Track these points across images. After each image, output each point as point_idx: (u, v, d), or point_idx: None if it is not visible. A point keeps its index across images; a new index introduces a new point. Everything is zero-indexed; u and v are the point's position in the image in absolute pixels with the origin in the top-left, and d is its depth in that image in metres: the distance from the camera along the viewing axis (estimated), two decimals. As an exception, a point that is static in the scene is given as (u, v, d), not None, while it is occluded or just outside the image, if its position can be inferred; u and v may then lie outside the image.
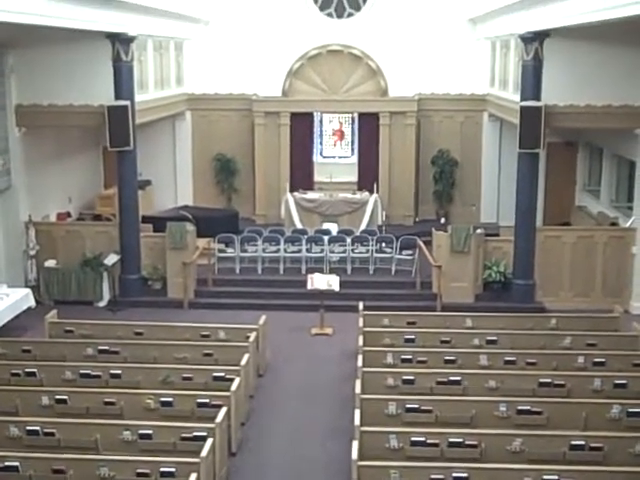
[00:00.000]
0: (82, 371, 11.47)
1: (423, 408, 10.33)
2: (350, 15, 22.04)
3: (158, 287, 17.16)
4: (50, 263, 17.03)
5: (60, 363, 11.92)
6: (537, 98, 15.67)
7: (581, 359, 11.99)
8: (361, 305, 14.34)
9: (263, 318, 13.69)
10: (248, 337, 12.78)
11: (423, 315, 14.28)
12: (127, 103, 16.13)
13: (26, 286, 16.26)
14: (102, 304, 16.89)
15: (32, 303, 15.48)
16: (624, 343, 12.80)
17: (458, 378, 11.22)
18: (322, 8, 22.01)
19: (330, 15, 22.06)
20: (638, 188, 16.24)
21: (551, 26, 14.36)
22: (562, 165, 20.58)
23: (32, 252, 16.77)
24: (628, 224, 16.61)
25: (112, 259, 16.82)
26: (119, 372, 11.44)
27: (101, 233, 17.44)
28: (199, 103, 22.08)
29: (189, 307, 16.76)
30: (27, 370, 11.50)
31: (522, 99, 15.89)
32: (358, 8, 21.98)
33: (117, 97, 16.16)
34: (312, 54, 21.74)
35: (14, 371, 11.53)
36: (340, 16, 22.06)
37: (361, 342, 12.51)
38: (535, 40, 15.47)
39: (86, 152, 20.56)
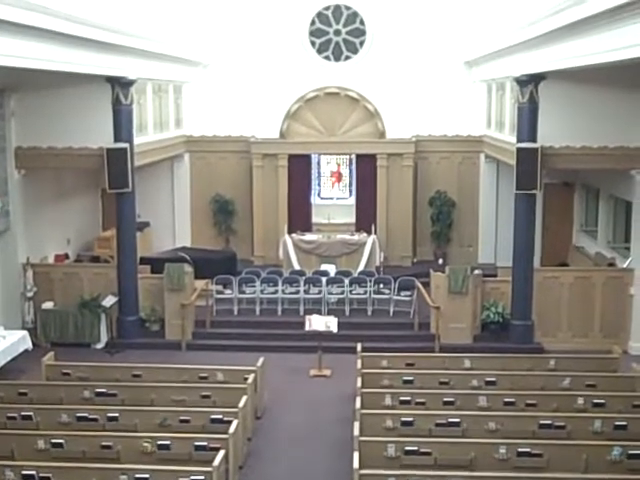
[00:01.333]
0: (79, 414, 11.39)
1: (422, 450, 10.26)
2: (347, 58, 22.27)
3: (156, 329, 17.12)
4: (48, 305, 17.00)
5: (57, 406, 11.84)
6: (533, 140, 15.79)
7: (581, 400, 11.94)
8: (359, 346, 14.29)
9: (261, 360, 13.64)
10: (246, 379, 12.72)
11: (421, 356, 14.24)
12: (126, 145, 16.23)
13: (23, 328, 16.20)
14: (100, 346, 16.82)
15: (29, 345, 15.41)
16: (624, 384, 12.77)
17: (457, 420, 11.16)
18: (320, 51, 22.26)
19: (328, 58, 22.29)
20: (635, 229, 16.31)
21: (546, 69, 14.51)
22: (559, 206, 20.67)
23: (30, 294, 16.75)
24: (625, 265, 16.63)
25: (110, 301, 16.80)
26: (116, 415, 11.36)
27: (99, 275, 17.44)
28: (197, 145, 22.23)
29: (187, 349, 16.71)
30: (23, 413, 11.41)
31: (518, 141, 16.02)
32: (355, 51, 22.23)
33: (116, 139, 16.27)
34: (310, 96, 21.93)
35: (10, 414, 11.43)
36: (337, 59, 22.29)
37: (359, 384, 12.44)
38: (530, 83, 15.63)
39: (85, 194, 20.64)
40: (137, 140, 17.07)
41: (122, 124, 16.35)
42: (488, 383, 12.77)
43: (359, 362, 13.53)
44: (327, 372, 15.34)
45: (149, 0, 16.50)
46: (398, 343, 16.36)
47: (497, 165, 21.29)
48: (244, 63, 22.06)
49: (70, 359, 14.15)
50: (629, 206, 16.75)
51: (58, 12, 11.70)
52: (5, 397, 12.38)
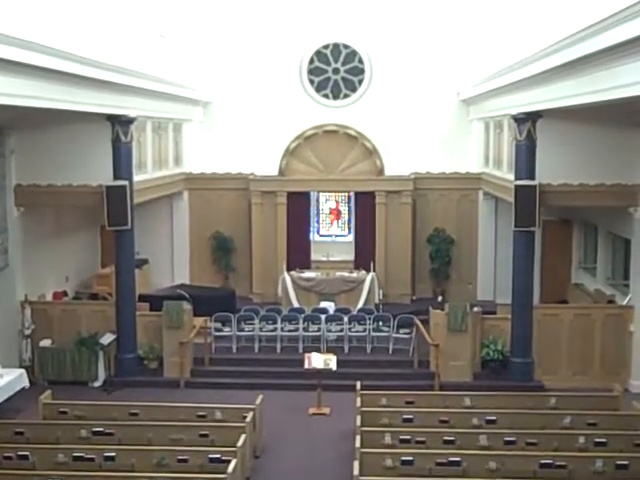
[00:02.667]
0: (75, 454, 11.28)
1: (422, 490, 10.17)
2: (346, 96, 22.47)
3: (154, 366, 17.03)
4: (45, 343, 16.93)
5: (53, 446, 11.73)
6: (531, 177, 15.86)
7: (582, 439, 11.84)
8: (358, 384, 14.22)
9: (260, 398, 13.56)
10: (245, 417, 12.64)
11: (421, 394, 14.16)
12: (125, 183, 16.28)
13: (20, 366, 16.12)
14: (97, 384, 16.72)
15: (26, 384, 15.30)
16: (625, 423, 12.67)
17: (458, 459, 11.06)
18: (318, 89, 22.46)
19: (326, 96, 22.49)
20: (634, 266, 16.31)
21: (543, 108, 14.62)
22: (558, 243, 20.69)
23: (27, 331, 16.69)
24: (625, 302, 16.61)
25: (108, 338, 16.72)
26: (113, 454, 11.26)
27: (97, 312, 17.39)
28: (197, 182, 22.30)
29: (185, 387, 16.61)
30: (19, 453, 11.30)
31: (516, 178, 16.10)
32: (354, 89, 22.43)
33: (116, 177, 16.33)
34: (309, 134, 22.06)
35: (6, 454, 11.32)
36: (336, 97, 22.49)
37: (359, 422, 12.35)
38: (527, 121, 15.74)
39: (84, 231, 20.66)
40: (136, 178, 17.13)
41: (122, 162, 16.42)
42: (488, 422, 12.68)
43: (358, 400, 13.45)
44: (326, 410, 15.24)
45: (150, 39, 16.64)
46: (397, 381, 16.28)
47: (495, 202, 21.35)
48: (243, 101, 22.26)
49: (67, 397, 14.05)
50: (628, 243, 16.78)
51: (58, 51, 11.78)
52: (1, 437, 12.26)
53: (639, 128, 15.66)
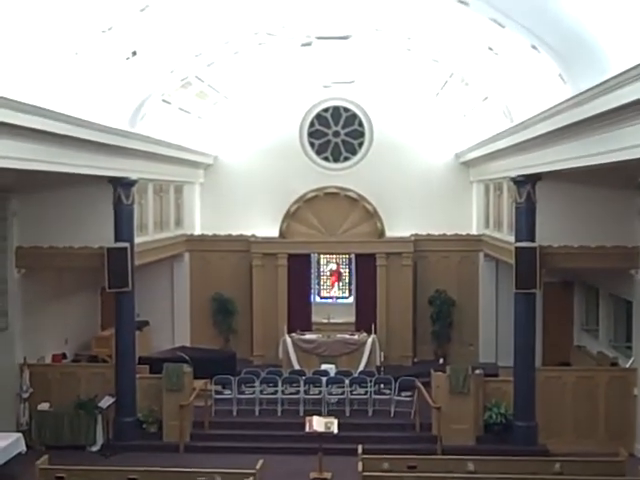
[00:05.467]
0: (73, 520, 11.10)
1: None
2: (346, 159, 22.68)
3: (154, 430, 16.80)
4: (43, 406, 16.74)
5: (50, 512, 11.54)
6: (532, 239, 15.90)
7: (588, 505, 11.66)
8: (360, 448, 14.02)
9: (260, 462, 13.36)
10: (245, 483, 12.44)
11: (424, 459, 13.95)
12: (127, 245, 16.32)
13: (17, 430, 15.92)
14: (95, 448, 16.48)
15: (23, 448, 15.05)
16: (631, 488, 12.47)
17: (462, 526, 10.86)
18: (319, 152, 22.68)
19: (327, 159, 22.69)
20: (636, 328, 16.23)
21: (542, 170, 14.73)
22: (559, 305, 20.64)
23: (25, 395, 16.54)
24: (628, 365, 16.48)
25: (107, 402, 16.55)
26: (111, 521, 11.07)
27: (97, 375, 17.25)
28: (198, 244, 22.38)
29: (185, 451, 16.37)
30: (16, 519, 11.13)
31: (517, 240, 16.14)
32: (354, 152, 22.65)
33: (117, 239, 16.36)
34: (309, 196, 22.22)
35: (2, 521, 11.16)
36: (337, 160, 22.70)
37: (361, 488, 12.17)
38: (527, 183, 15.85)
39: (84, 293, 20.61)
40: (138, 239, 17.18)
41: (123, 224, 16.48)
42: (493, 487, 12.48)
43: (360, 465, 13.25)
44: (328, 475, 14.99)
45: (151, 103, 16.83)
46: (399, 444, 16.06)
47: (496, 264, 21.37)
48: (244, 163, 22.48)
49: (65, 462, 13.83)
50: (629, 305, 16.73)
51: (59, 114, 11.89)
52: (-3, 502, 12.08)
53: (638, 190, 15.75)
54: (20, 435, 15.25)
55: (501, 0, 11.18)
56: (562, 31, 10.76)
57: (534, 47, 12.02)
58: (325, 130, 22.73)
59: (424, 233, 21.99)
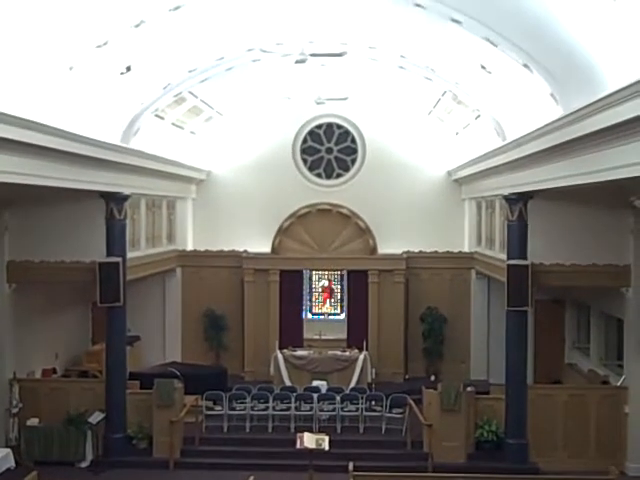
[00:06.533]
0: (61, 537, 11.02)
1: None
2: (339, 175, 22.73)
3: (144, 446, 16.70)
4: (33, 421, 16.62)
5: (38, 528, 11.45)
6: (523, 257, 15.95)
7: (579, 524, 11.63)
8: (351, 465, 13.97)
9: (251, 479, 13.34)
10: (235, 500, 12.38)
11: (415, 476, 13.93)
12: (119, 260, 16.29)
13: (6, 446, 15.78)
14: (84, 465, 16.33)
15: (12, 464, 14.93)
16: (622, 507, 12.45)
17: None
18: (311, 168, 22.72)
19: (319, 175, 22.74)
20: (627, 346, 16.24)
21: (534, 188, 14.79)
22: (551, 322, 20.62)
23: (14, 410, 16.42)
24: (619, 383, 16.48)
25: (97, 417, 16.46)
26: (100, 538, 10.99)
27: (87, 390, 17.13)
28: (190, 260, 22.35)
29: (175, 467, 16.24)
30: (4, 536, 11.05)
31: (509, 258, 16.18)
32: (347, 169, 22.70)
33: (109, 254, 16.33)
34: (302, 213, 22.25)
35: (-10, 537, 11.07)
36: (329, 176, 22.75)
37: (351, 505, 12.12)
38: (519, 201, 15.92)
39: (75, 307, 20.52)
40: (129, 254, 17.15)
41: (115, 238, 16.45)
42: (483, 505, 12.45)
43: (351, 482, 13.21)
44: (318, 492, 14.95)
45: (144, 118, 16.85)
46: (390, 462, 16.03)
47: (488, 281, 21.40)
48: (236, 179, 22.51)
49: (54, 479, 13.76)
50: (620, 323, 16.75)
51: (53, 129, 11.90)
52: (-15, 519, 11.98)
53: (629, 209, 15.81)
54: (9, 451, 15.12)
55: (494, 19, 11.28)
56: (554, 51, 10.87)
57: (526, 66, 12.11)
58: (318, 146, 22.79)
59: (416, 250, 22.03)
